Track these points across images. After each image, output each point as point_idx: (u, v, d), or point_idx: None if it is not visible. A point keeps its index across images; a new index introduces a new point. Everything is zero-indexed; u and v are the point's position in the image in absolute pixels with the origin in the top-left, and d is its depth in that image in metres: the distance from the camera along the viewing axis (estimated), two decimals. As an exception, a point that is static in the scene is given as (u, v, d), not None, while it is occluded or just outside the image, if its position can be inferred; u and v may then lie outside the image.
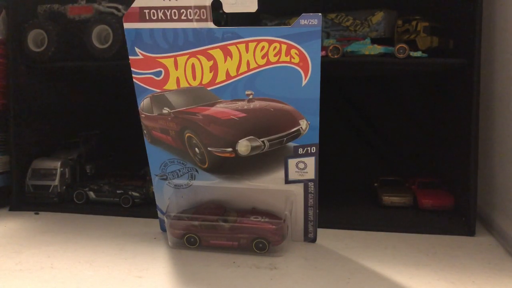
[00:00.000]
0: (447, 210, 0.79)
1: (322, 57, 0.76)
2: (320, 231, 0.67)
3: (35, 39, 0.84)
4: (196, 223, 0.64)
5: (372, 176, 0.91)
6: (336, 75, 0.95)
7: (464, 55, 0.72)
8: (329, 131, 0.97)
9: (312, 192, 0.65)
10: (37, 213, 0.82)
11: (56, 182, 0.86)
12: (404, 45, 0.73)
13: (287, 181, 0.64)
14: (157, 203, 0.69)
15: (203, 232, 0.64)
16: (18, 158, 0.86)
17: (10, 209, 0.84)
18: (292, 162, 0.63)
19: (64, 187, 0.87)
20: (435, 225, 0.73)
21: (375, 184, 0.88)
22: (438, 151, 0.93)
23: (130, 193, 0.84)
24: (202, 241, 0.64)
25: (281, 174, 0.64)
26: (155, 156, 0.67)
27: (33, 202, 0.85)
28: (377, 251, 0.64)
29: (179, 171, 0.67)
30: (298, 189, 0.65)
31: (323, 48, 0.76)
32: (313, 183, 0.64)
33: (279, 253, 0.62)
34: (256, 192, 0.66)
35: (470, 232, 0.71)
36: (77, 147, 0.96)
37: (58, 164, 0.87)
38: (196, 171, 0.66)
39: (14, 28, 0.84)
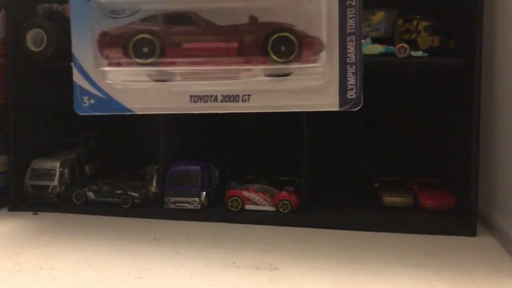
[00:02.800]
0: (448, 210, 0.79)
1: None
2: (320, 231, 0.67)
3: (34, 39, 0.84)
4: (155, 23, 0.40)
5: (372, 176, 0.91)
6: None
7: (465, 54, 0.72)
8: (329, 131, 0.97)
9: (353, 9, 0.42)
10: (36, 214, 0.82)
11: (55, 182, 0.85)
12: (405, 45, 0.73)
13: None
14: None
15: (167, 33, 0.41)
16: (17, 158, 0.86)
17: (9, 210, 0.84)
18: None
19: (63, 187, 0.87)
20: (436, 225, 0.73)
21: (376, 185, 0.88)
22: (439, 151, 0.93)
23: (129, 193, 0.83)
24: (166, 47, 0.43)
25: None
26: None
27: (32, 202, 0.85)
28: (378, 252, 0.64)
29: None
30: None
31: (324, 47, 0.76)
32: None
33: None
34: None
35: (471, 233, 0.70)
36: (77, 147, 0.96)
37: (57, 164, 0.87)
38: None
39: (13, 28, 0.84)
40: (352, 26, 0.43)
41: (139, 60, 0.45)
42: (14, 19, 0.84)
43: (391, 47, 0.74)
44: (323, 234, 0.70)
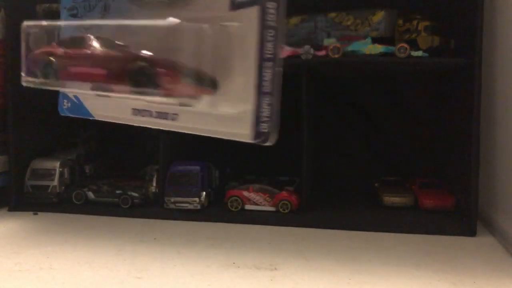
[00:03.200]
0: (448, 210, 0.79)
1: (322, 56, 0.76)
2: (320, 231, 0.67)
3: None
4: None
5: (372, 176, 0.91)
6: (337, 75, 0.94)
7: (466, 54, 0.72)
8: (329, 131, 0.97)
9: (272, 31, 0.38)
10: (36, 214, 0.82)
11: (55, 182, 0.85)
12: (405, 45, 0.73)
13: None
14: None
15: (63, 56, 0.46)
16: (17, 158, 0.86)
17: (9, 210, 0.84)
18: None
19: (63, 187, 0.87)
20: (436, 225, 0.73)
21: (376, 184, 0.88)
22: (439, 151, 0.93)
23: (129, 193, 0.83)
24: (59, 69, 0.46)
25: None
26: None
27: (32, 202, 0.85)
28: (378, 252, 0.64)
29: None
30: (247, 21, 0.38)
31: (324, 47, 0.76)
32: (275, 6, 0.37)
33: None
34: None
35: (471, 233, 0.70)
36: (76, 147, 0.96)
37: (57, 164, 0.87)
38: None
39: (13, 28, 0.84)
40: (270, 50, 0.38)
41: (44, 80, 0.49)
42: (14, 19, 0.84)
43: (391, 47, 0.74)
44: (323, 234, 0.70)
